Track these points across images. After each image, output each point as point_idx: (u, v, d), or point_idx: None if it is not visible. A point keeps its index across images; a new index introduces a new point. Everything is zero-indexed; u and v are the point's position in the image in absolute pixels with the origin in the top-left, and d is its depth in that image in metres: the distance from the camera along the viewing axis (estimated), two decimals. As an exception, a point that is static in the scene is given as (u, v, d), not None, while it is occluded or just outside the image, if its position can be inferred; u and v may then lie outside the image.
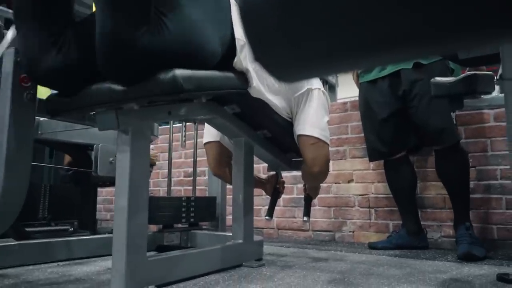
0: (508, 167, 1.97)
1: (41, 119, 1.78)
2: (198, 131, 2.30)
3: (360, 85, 2.18)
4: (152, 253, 1.70)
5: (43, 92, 1.32)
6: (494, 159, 2.05)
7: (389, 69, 1.99)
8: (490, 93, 1.37)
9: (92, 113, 1.22)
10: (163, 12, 0.93)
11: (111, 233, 1.16)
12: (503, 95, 1.16)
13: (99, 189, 3.04)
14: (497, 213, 2.04)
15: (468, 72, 1.35)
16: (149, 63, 0.94)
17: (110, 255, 1.12)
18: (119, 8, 0.91)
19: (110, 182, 2.28)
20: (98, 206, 3.00)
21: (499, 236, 2.03)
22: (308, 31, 0.31)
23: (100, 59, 0.97)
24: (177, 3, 0.97)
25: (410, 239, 2.03)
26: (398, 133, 2.02)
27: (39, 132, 1.83)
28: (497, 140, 2.07)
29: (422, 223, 2.10)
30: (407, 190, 2.09)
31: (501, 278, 1.27)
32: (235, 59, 1.17)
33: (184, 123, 2.32)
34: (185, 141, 2.13)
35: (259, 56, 0.36)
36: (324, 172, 1.57)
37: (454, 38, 0.29)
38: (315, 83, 1.54)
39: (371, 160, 2.20)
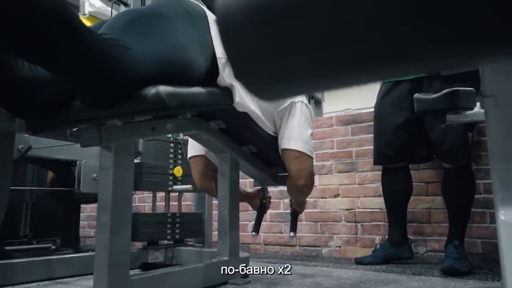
0: (491, 181, 1.99)
1: (24, 135, 1.75)
2: (183, 146, 2.29)
3: (381, 85, 2.11)
4: (136, 271, 1.67)
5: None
6: (478, 173, 2.07)
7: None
8: (472, 108, 1.39)
9: (74, 130, 1.21)
10: (144, 33, 0.93)
11: (94, 251, 1.13)
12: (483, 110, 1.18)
13: (83, 206, 2.99)
14: (482, 227, 2.06)
15: (450, 89, 1.37)
16: (130, 88, 0.92)
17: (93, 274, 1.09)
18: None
19: (94, 198, 2.25)
20: (82, 223, 2.94)
21: (484, 250, 2.04)
22: (287, 49, 0.31)
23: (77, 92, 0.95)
24: (156, 25, 0.97)
25: (394, 250, 2.03)
26: (410, 141, 1.98)
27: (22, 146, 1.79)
28: (481, 155, 2.10)
29: (408, 236, 2.10)
30: (401, 198, 2.07)
31: (486, 292, 1.27)
32: (219, 77, 1.18)
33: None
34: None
35: (239, 74, 0.36)
36: (309, 185, 1.57)
37: (437, 57, 0.29)
38: (298, 97, 1.55)
39: (376, 163, 2.15)
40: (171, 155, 2.08)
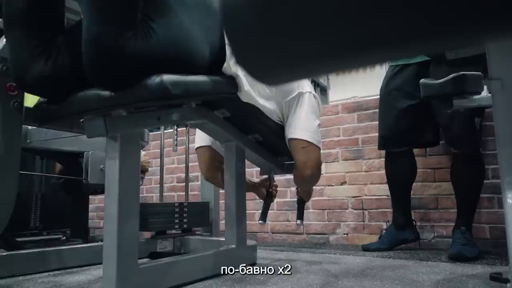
0: (498, 166, 1.98)
1: (30, 127, 1.76)
2: (190, 136, 2.30)
3: (388, 68, 2.09)
4: (144, 260, 1.69)
5: (30, 101, 1.31)
6: (486, 158, 2.06)
7: (420, 57, 1.89)
8: (479, 93, 1.37)
9: (80, 120, 1.21)
10: (151, 17, 0.93)
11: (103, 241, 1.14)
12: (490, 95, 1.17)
13: (91, 197, 3.02)
14: (489, 212, 2.05)
15: (456, 73, 1.36)
16: (135, 69, 0.93)
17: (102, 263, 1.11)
18: (104, 14, 0.91)
19: (102, 189, 2.26)
20: (90, 214, 2.97)
21: (492, 235, 2.03)
22: (289, 32, 0.31)
23: (86, 65, 0.96)
24: (166, 8, 0.96)
25: (399, 233, 2.03)
26: (415, 126, 1.96)
27: (28, 140, 1.81)
28: (488, 140, 2.08)
29: (413, 219, 2.09)
30: (405, 181, 2.07)
31: (494, 277, 1.27)
32: (225, 65, 1.17)
33: (175, 128, 2.31)
34: (176, 146, 2.12)
35: (241, 60, 0.35)
36: (316, 175, 1.57)
37: (440, 37, 0.29)
38: (306, 87, 1.54)
39: (380, 148, 2.13)
40: None
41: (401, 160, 2.05)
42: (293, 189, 2.51)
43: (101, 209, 3.44)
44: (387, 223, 2.15)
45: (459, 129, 1.82)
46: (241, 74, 1.23)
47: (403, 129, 1.97)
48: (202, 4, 1.09)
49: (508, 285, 0.80)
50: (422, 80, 1.41)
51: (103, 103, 1.00)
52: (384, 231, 2.12)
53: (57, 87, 1.08)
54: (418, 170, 2.13)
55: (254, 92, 1.34)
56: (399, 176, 2.07)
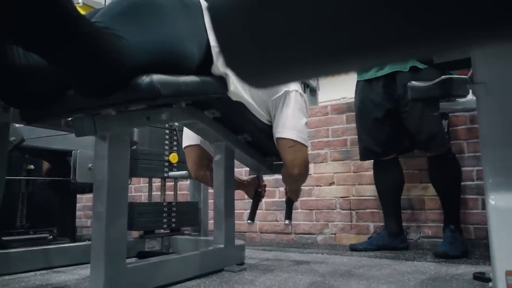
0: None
1: (17, 125, 1.74)
2: (179, 132, 2.29)
3: (357, 83, 2.15)
4: (132, 259, 1.68)
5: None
6: (471, 160, 2.10)
7: (386, 70, 1.97)
8: (464, 96, 1.40)
9: (69, 119, 1.21)
10: (138, 22, 0.93)
11: (91, 240, 1.14)
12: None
13: (79, 196, 3.00)
14: (474, 213, 2.09)
15: (443, 76, 1.38)
16: (123, 78, 0.92)
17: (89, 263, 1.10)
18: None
19: (90, 188, 2.25)
20: (78, 213, 2.95)
21: (476, 235, 2.07)
22: (278, 36, 0.32)
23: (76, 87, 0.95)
24: (150, 14, 0.97)
25: (390, 240, 2.07)
26: (392, 134, 2.02)
27: (13, 138, 1.79)
28: (473, 142, 2.12)
29: (403, 229, 2.13)
30: (393, 191, 2.11)
31: (477, 277, 1.29)
32: (213, 66, 1.18)
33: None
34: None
35: (229, 62, 0.36)
36: (304, 174, 1.58)
37: (426, 42, 0.29)
38: (293, 85, 1.55)
39: (362, 159, 2.19)
40: (167, 142, 2.08)
41: (389, 169, 2.10)
42: (282, 189, 2.52)
43: (89, 208, 3.41)
44: (382, 228, 2.17)
45: (430, 133, 1.88)
46: (230, 74, 1.23)
47: (383, 139, 2.03)
48: (183, 6, 1.09)
49: (490, 284, 0.82)
50: (410, 83, 1.43)
51: (92, 103, 1.00)
52: (375, 234, 2.15)
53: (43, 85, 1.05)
54: (404, 171, 2.16)
55: (243, 90, 1.35)
56: (389, 189, 2.12)
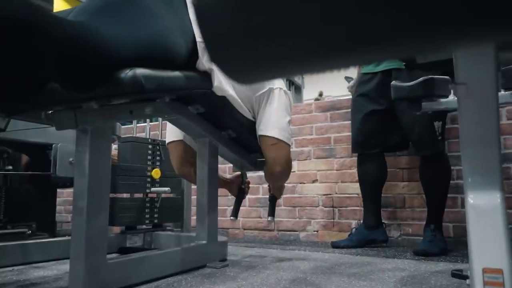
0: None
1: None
2: (163, 131, 2.27)
3: (359, 75, 2.18)
4: (114, 255, 1.66)
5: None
6: (451, 159, 2.13)
7: (383, 66, 2.00)
8: (446, 96, 1.42)
9: (49, 112, 1.18)
10: (118, 16, 0.91)
11: (71, 235, 1.12)
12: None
13: (59, 190, 2.95)
14: (453, 211, 2.13)
15: (426, 76, 1.40)
16: (106, 72, 0.91)
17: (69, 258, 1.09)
18: None
19: (70, 183, 2.21)
20: (58, 207, 2.90)
21: (455, 233, 2.11)
22: (262, 32, 0.31)
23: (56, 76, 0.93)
24: (131, 8, 0.95)
25: (368, 233, 2.09)
26: (380, 130, 2.05)
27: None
28: (454, 142, 2.16)
29: (383, 221, 2.15)
30: (374, 182, 2.13)
31: (455, 274, 1.31)
32: (198, 61, 1.17)
33: (148, 122, 2.28)
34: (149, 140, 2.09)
35: (214, 57, 0.36)
36: (286, 172, 1.59)
37: (412, 42, 0.30)
38: (277, 83, 1.55)
39: (353, 151, 2.21)
40: (149, 157, 2.05)
41: (372, 162, 2.11)
42: (265, 186, 2.52)
43: (69, 203, 3.36)
44: (358, 222, 2.20)
45: (420, 133, 1.91)
46: (215, 69, 1.23)
47: (368, 132, 2.06)
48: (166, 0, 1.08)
49: (467, 281, 0.83)
50: (393, 83, 1.45)
51: (74, 96, 0.98)
52: (354, 229, 2.17)
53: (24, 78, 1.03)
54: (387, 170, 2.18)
55: (228, 86, 1.34)
56: (370, 180, 2.13)
